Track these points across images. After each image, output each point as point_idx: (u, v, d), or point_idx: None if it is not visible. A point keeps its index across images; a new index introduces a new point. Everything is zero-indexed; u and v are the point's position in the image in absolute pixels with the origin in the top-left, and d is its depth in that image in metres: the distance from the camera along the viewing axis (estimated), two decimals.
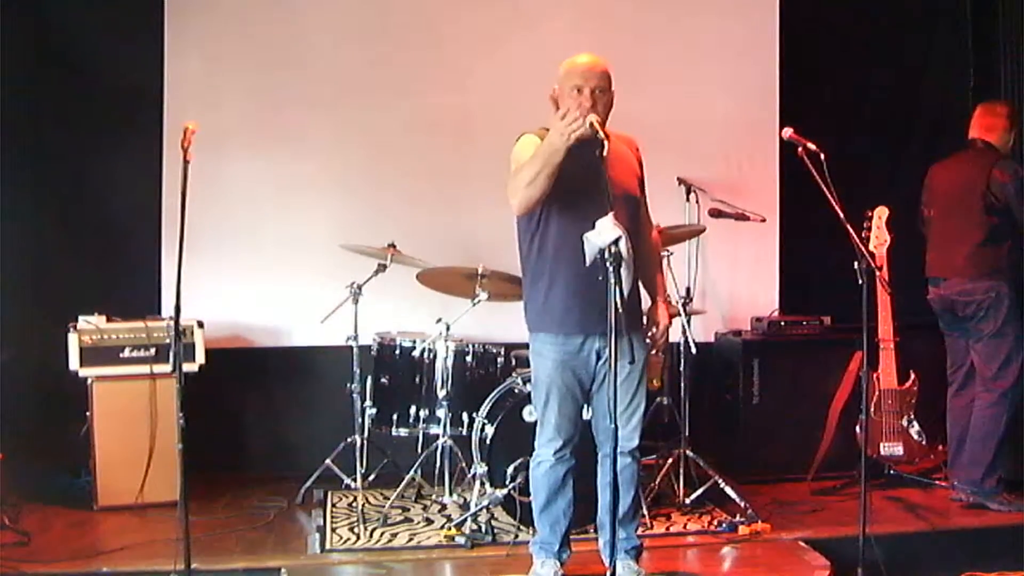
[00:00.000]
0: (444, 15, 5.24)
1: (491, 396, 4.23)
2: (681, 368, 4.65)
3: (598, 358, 3.38)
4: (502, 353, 4.51)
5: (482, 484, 4.13)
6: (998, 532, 4.20)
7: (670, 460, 4.59)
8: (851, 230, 3.47)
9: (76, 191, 4.85)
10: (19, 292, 4.56)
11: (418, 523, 4.30)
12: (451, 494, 4.43)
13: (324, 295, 4.68)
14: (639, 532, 3.70)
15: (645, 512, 4.08)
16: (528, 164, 3.21)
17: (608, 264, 2.99)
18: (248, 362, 5.08)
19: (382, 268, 4.60)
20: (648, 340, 3.53)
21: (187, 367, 4.32)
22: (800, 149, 3.48)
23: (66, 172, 4.87)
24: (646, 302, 3.58)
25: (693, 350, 4.60)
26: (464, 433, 4.39)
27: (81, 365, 4.46)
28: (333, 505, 4.56)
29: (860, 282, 3.45)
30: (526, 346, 3.60)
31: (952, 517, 4.45)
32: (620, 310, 2.94)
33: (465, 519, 4.08)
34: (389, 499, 4.42)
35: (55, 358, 4.46)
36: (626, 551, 3.54)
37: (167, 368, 4.38)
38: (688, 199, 5.11)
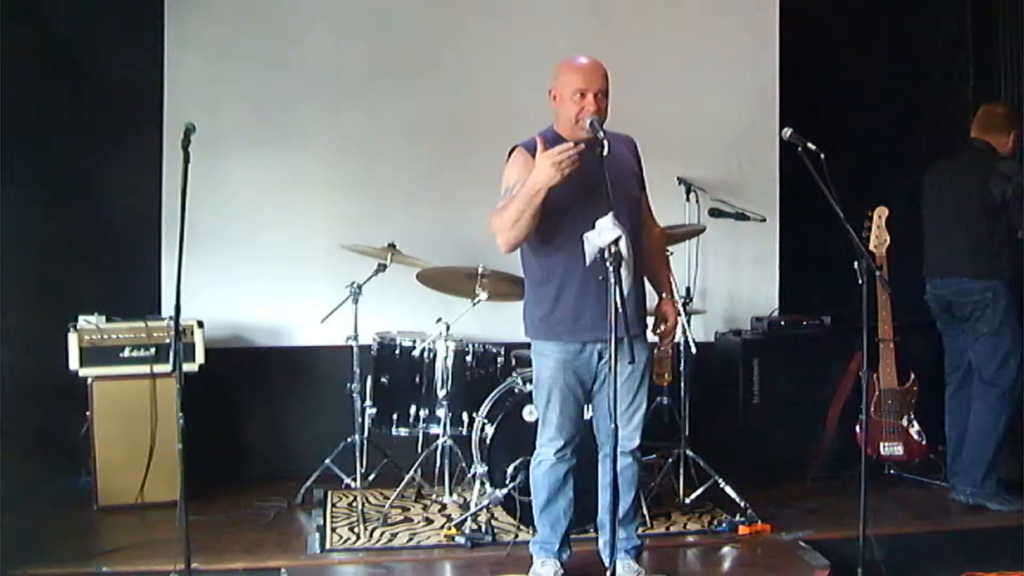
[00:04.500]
0: (444, 15, 5.24)
1: (491, 396, 4.23)
2: (681, 368, 4.65)
3: (599, 358, 3.38)
4: (502, 353, 4.51)
5: (482, 484, 4.13)
6: (998, 532, 4.20)
7: (670, 460, 4.60)
8: (851, 230, 3.47)
9: (76, 191, 4.84)
10: (19, 292, 4.56)
11: (418, 523, 4.30)
12: (451, 494, 4.43)
13: (324, 295, 4.68)
14: (639, 532, 3.71)
15: (645, 512, 4.07)
16: (512, 204, 3.20)
17: (608, 264, 3.00)
18: (248, 362, 5.07)
19: (382, 268, 4.60)
20: (657, 336, 3.54)
21: (187, 367, 4.32)
22: (800, 149, 3.48)
23: (66, 172, 4.86)
24: (652, 300, 3.58)
25: (693, 350, 4.60)
26: (464, 433, 4.39)
27: (81, 365, 4.46)
28: (333, 505, 4.56)
29: (860, 282, 3.46)
30: (526, 346, 3.61)
31: (952, 517, 4.46)
32: (620, 310, 2.95)
33: (465, 519, 4.08)
34: (389, 499, 4.43)
35: (55, 358, 4.46)
36: (626, 551, 3.55)
37: (167, 368, 4.38)
38: (688, 199, 5.10)
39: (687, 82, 5.40)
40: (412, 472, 4.50)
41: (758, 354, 5.07)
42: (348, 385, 4.66)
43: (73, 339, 4.46)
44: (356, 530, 4.20)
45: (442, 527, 4.17)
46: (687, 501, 4.48)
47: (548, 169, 3.08)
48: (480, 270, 4.33)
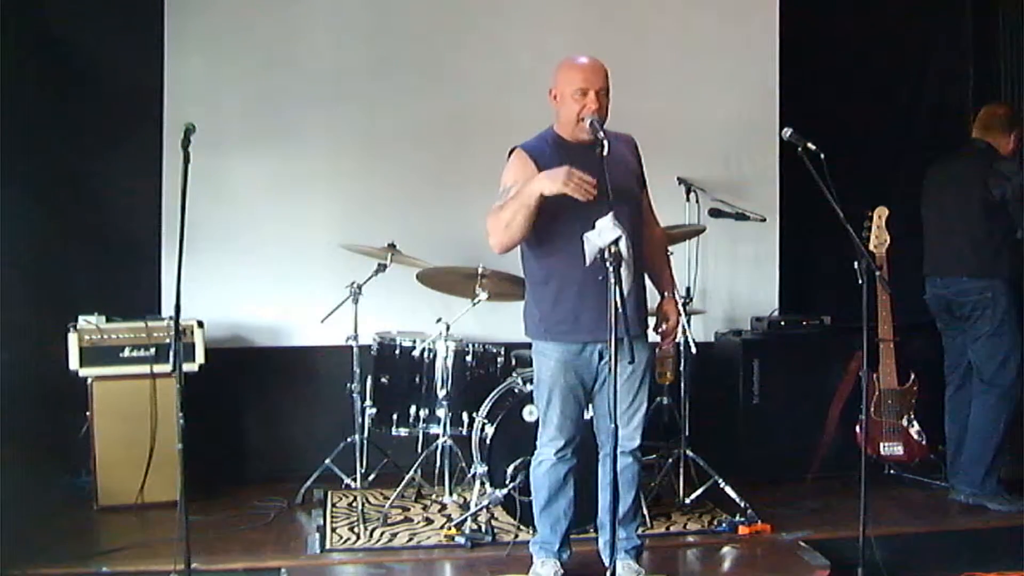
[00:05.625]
0: (444, 15, 5.23)
1: (491, 396, 4.23)
2: (681, 368, 4.65)
3: (600, 358, 3.38)
4: (502, 353, 4.51)
5: (482, 484, 4.13)
6: (998, 532, 4.20)
7: (670, 460, 4.60)
8: (851, 230, 3.47)
9: (76, 191, 4.85)
10: (19, 292, 4.56)
11: (418, 523, 4.30)
12: (451, 494, 4.43)
13: (324, 295, 4.68)
14: (639, 532, 3.71)
15: (645, 512, 4.06)
16: (507, 206, 3.22)
17: (608, 264, 3.00)
18: (248, 362, 5.07)
19: (382, 268, 4.60)
20: (658, 335, 3.54)
21: (187, 367, 4.33)
22: (800, 149, 3.48)
23: (66, 172, 4.86)
24: (652, 300, 3.58)
25: (693, 350, 4.60)
26: (464, 433, 4.39)
27: (81, 365, 4.46)
28: (333, 505, 4.56)
29: (860, 282, 3.46)
30: (526, 346, 3.61)
31: (952, 517, 4.46)
32: (620, 310, 2.95)
33: (465, 519, 4.08)
34: (389, 499, 4.42)
35: (55, 358, 4.46)
36: (626, 551, 3.55)
37: (167, 368, 4.38)
38: (688, 199, 5.10)
39: (687, 82, 5.40)
40: (412, 472, 4.50)
41: (758, 354, 5.07)
42: (348, 385, 4.66)
43: (73, 339, 4.46)
44: (356, 530, 4.20)
45: (442, 527, 4.17)
46: (687, 501, 4.48)
47: (557, 182, 3.10)
48: (480, 270, 4.33)
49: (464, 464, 4.44)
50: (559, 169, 3.14)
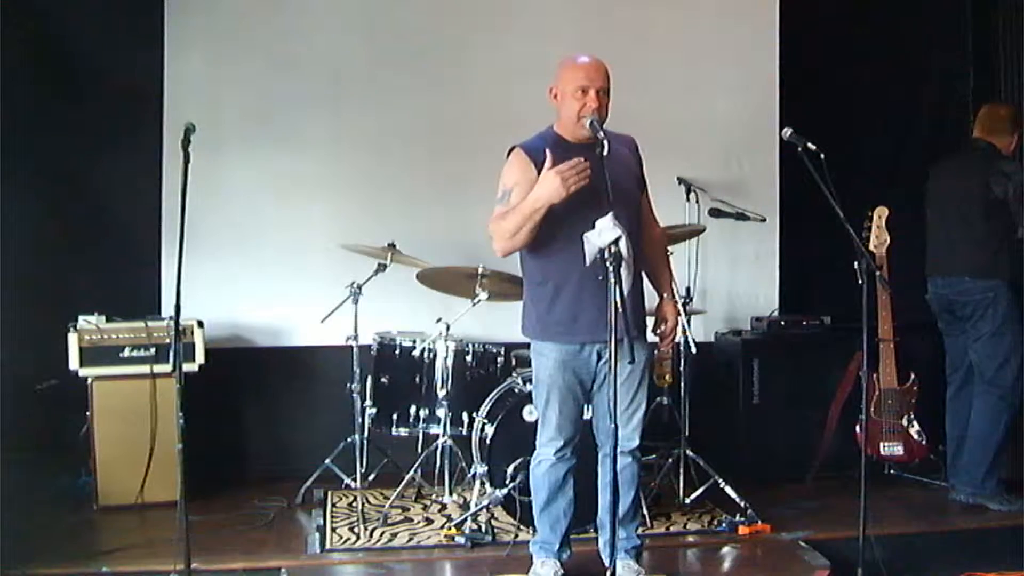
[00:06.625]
0: (444, 15, 5.23)
1: (491, 396, 4.23)
2: (681, 368, 4.65)
3: (599, 358, 3.38)
4: (502, 353, 4.51)
5: (482, 484, 4.13)
6: (998, 532, 4.20)
7: (670, 460, 4.60)
8: (851, 230, 3.47)
9: (76, 191, 4.85)
10: (19, 292, 4.56)
11: (418, 523, 4.30)
12: (451, 494, 4.43)
13: (324, 295, 4.68)
14: (639, 532, 3.70)
15: (645, 512, 4.06)
16: (512, 216, 3.23)
17: (608, 264, 3.00)
18: (248, 362, 5.07)
19: (382, 268, 4.61)
20: (657, 336, 3.54)
21: (187, 367, 4.33)
22: (800, 149, 3.48)
23: (66, 172, 4.86)
24: (652, 301, 3.58)
25: (693, 350, 4.60)
26: (464, 433, 4.39)
27: (81, 365, 4.46)
28: (333, 505, 4.56)
29: (860, 282, 3.45)
30: (526, 346, 3.61)
31: (952, 517, 4.46)
32: (620, 310, 2.95)
33: (465, 519, 4.08)
34: (389, 499, 4.42)
35: (55, 358, 4.46)
36: (626, 551, 3.55)
37: (167, 368, 4.39)
38: (688, 199, 5.10)
39: (687, 82, 5.40)
40: (412, 472, 4.50)
41: (758, 354, 5.07)
42: (348, 385, 4.67)
43: (73, 339, 4.46)
44: (356, 530, 4.20)
45: (442, 527, 4.17)
46: (687, 501, 4.48)
47: (555, 186, 3.10)
48: (480, 270, 4.34)
49: (464, 464, 4.44)
50: (548, 176, 3.13)
